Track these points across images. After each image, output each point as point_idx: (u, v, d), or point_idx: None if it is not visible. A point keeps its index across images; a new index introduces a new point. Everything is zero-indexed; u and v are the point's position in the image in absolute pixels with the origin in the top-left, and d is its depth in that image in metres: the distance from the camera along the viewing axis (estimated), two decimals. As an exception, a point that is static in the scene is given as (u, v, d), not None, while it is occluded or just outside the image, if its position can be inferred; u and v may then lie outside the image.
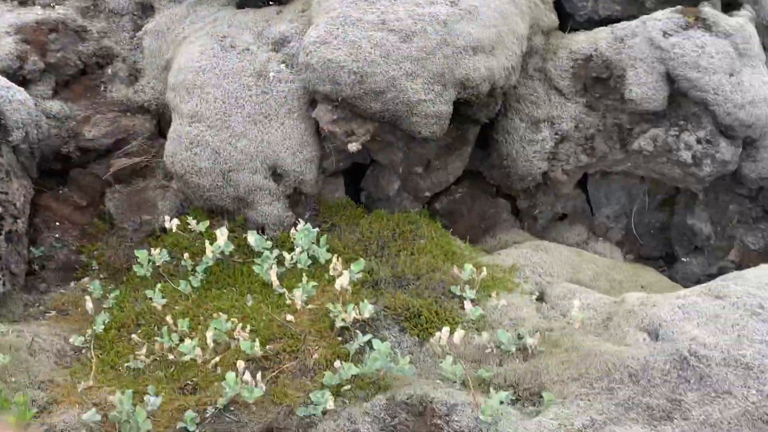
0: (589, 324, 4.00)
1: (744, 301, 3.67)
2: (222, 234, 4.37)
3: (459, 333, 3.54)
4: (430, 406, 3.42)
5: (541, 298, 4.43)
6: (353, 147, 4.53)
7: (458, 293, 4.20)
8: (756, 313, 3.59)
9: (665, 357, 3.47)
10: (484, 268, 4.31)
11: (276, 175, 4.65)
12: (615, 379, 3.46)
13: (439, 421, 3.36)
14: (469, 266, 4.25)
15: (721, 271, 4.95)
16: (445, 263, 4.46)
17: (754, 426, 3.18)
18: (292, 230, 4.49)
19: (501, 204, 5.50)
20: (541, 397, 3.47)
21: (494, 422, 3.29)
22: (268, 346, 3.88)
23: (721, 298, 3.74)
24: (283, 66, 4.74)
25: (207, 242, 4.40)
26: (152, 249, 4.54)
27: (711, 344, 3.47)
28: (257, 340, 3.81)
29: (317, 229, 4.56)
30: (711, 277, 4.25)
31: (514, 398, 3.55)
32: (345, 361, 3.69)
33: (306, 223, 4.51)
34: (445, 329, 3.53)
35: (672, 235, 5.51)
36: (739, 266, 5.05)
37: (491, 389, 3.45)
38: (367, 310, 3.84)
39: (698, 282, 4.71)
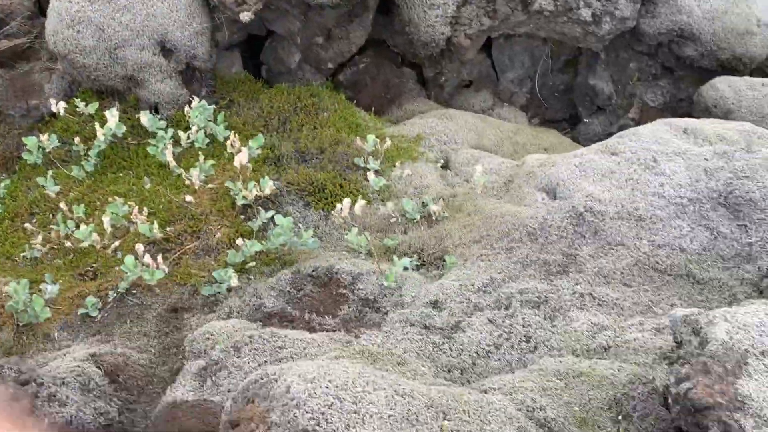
0: (491, 187, 4.04)
1: (638, 156, 3.74)
2: (112, 115, 4.17)
3: (360, 203, 3.52)
4: (336, 276, 3.44)
5: (445, 166, 4.44)
6: (245, 17, 4.32)
7: (362, 165, 4.16)
8: (649, 167, 3.67)
9: (562, 215, 3.54)
10: (388, 139, 4.27)
11: (166, 50, 4.41)
12: (514, 238, 3.53)
13: (344, 291, 3.38)
14: (372, 137, 4.19)
15: (622, 130, 5.02)
16: (349, 136, 4.39)
17: (645, 274, 3.31)
18: (187, 108, 4.32)
19: (406, 73, 5.40)
20: (444, 260, 3.52)
21: (398, 287, 3.34)
22: (168, 228, 3.80)
23: (616, 154, 3.80)
24: (165, -68, 4.42)
25: (97, 125, 4.20)
26: (41, 135, 4.31)
27: (606, 199, 3.55)
28: (156, 222, 3.72)
29: (214, 106, 4.40)
30: (612, 135, 4.30)
31: (418, 264, 3.60)
32: (248, 238, 3.65)
33: (201, 100, 4.33)
34: (346, 201, 3.50)
35: (575, 97, 5.55)
36: (639, 123, 5.12)
37: (395, 257, 3.48)
38: (268, 186, 3.77)
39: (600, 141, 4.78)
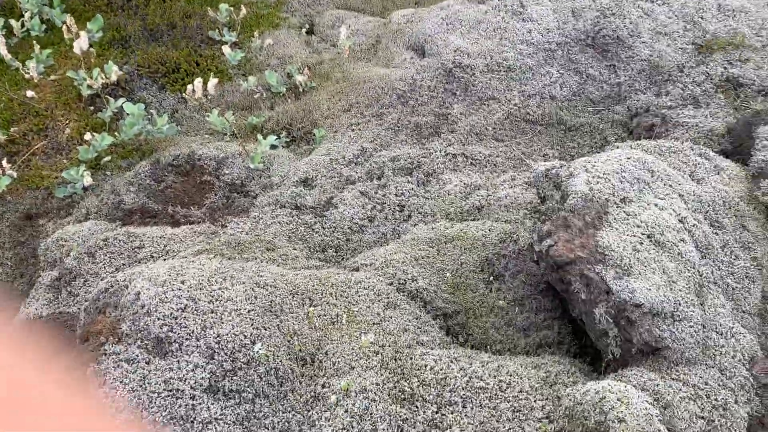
0: (358, 50, 3.82)
1: (505, 2, 3.58)
2: (-71, 8, 3.71)
3: (213, 81, 3.26)
4: (198, 163, 3.23)
5: (310, 31, 4.17)
6: None
7: (218, 38, 3.86)
8: (517, 13, 3.52)
9: (432, 73, 3.39)
10: (244, 6, 3.96)
11: (-21, -73, 3.91)
12: (384, 104, 3.37)
13: (209, 177, 3.19)
14: (224, 6, 3.87)
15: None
16: (202, 7, 4.04)
17: (517, 127, 3.22)
18: (17, -8, 3.88)
19: (264, -69, 4.98)
20: (314, 134, 3.35)
21: (266, 168, 3.16)
22: (12, 129, 3.46)
23: (483, 2, 3.62)
24: None
25: None
26: None
27: (475, 53, 3.40)
28: (-4, 124, 3.39)
29: (47, -13, 3.96)
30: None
31: (287, 140, 3.42)
32: (100, 131, 3.37)
33: (32, -19, 3.88)
34: (198, 80, 3.23)
35: (445, -57, 5.26)
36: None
37: (261, 136, 3.28)
38: (114, 71, 3.45)
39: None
